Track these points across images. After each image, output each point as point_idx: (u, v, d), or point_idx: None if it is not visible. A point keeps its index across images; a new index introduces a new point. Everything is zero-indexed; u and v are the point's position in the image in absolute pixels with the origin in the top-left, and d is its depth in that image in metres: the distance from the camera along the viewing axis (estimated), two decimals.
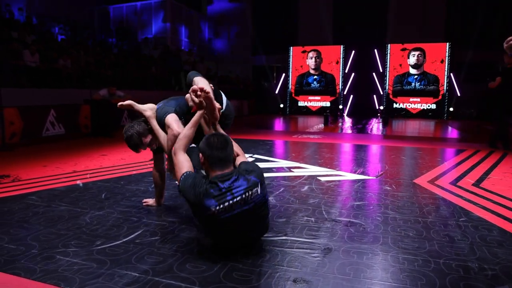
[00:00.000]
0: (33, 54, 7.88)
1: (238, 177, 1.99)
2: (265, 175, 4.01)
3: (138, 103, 2.73)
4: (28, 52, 7.78)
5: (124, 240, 2.27)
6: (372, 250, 2.15)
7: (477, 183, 3.81)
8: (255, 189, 1.98)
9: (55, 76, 8.18)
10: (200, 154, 2.05)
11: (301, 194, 3.32)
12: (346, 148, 6.60)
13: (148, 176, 3.97)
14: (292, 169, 4.41)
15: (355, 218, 2.69)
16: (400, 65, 14.62)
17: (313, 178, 3.97)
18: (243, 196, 1.95)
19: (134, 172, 4.18)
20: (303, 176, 4.06)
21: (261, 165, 4.64)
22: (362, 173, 4.24)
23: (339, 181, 3.89)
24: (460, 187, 3.64)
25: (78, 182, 3.74)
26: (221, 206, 1.92)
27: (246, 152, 5.52)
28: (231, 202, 1.93)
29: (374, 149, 6.46)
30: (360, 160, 5.16)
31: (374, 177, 4.05)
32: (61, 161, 4.86)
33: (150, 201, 3.02)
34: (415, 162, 4.99)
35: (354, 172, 4.29)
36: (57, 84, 8.05)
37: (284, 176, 4.05)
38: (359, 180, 3.90)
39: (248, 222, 2.01)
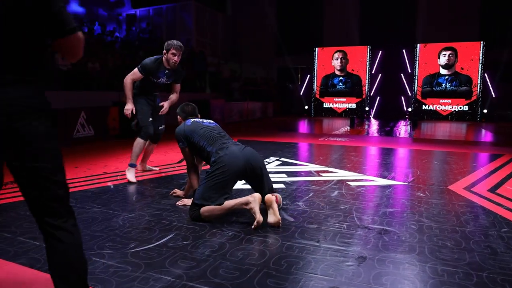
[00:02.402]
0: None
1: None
2: (293, 179, 4.01)
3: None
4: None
5: (156, 243, 2.29)
6: (408, 260, 2.07)
7: None
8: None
9: (85, 78, 8.44)
10: (178, 116, 3.26)
11: (331, 200, 3.26)
12: (374, 151, 6.45)
13: (176, 179, 4.02)
14: (320, 173, 4.35)
15: (388, 226, 2.61)
16: (426, 63, 14.13)
17: (342, 183, 3.89)
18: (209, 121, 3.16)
19: (163, 175, 4.24)
20: (332, 180, 3.99)
21: (289, 168, 4.62)
22: (393, 179, 4.12)
23: (369, 186, 3.79)
24: (499, 195, 3.47)
25: (109, 184, 3.83)
26: (198, 119, 3.14)
27: (272, 155, 5.53)
28: (203, 121, 3.10)
29: (404, 153, 6.28)
30: (389, 165, 5.02)
31: (406, 183, 3.93)
32: (91, 162, 5.00)
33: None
34: (448, 167, 4.80)
35: (385, 177, 4.17)
36: (87, 87, 8.31)
37: (313, 181, 3.99)
38: (390, 186, 3.80)
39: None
